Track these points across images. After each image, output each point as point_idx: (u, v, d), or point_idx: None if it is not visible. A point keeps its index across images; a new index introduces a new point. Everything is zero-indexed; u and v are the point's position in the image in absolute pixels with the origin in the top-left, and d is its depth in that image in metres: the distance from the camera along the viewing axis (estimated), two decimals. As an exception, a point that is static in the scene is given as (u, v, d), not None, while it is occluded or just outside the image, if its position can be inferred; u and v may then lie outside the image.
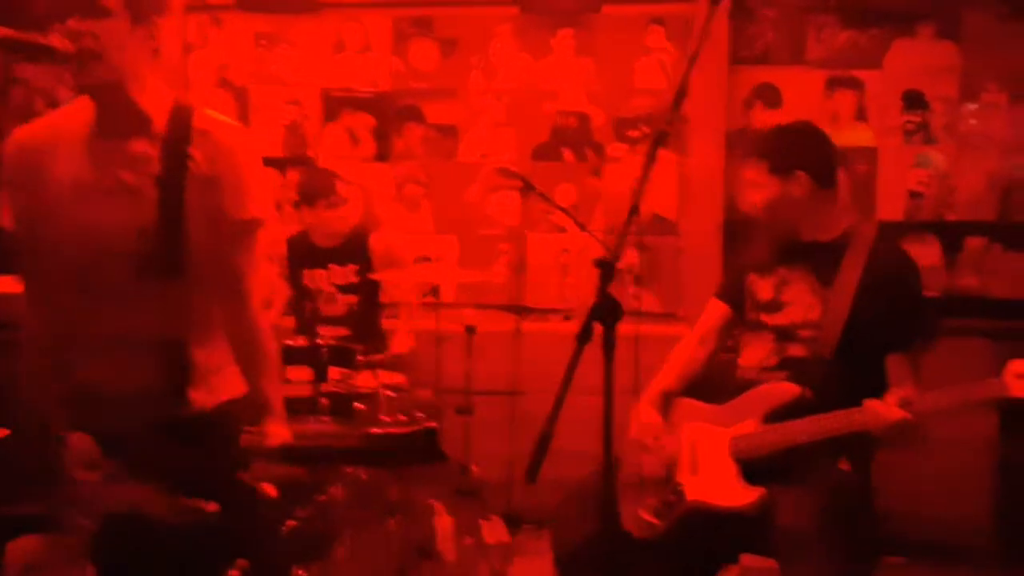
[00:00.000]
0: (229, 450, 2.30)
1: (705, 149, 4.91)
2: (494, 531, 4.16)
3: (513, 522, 4.28)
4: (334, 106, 5.27)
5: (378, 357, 4.10)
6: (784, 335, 2.69)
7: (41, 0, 2.07)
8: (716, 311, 2.96)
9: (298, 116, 5.29)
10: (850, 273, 2.60)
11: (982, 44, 4.88)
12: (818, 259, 2.69)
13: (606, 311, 1.76)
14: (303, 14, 5.21)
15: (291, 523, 3.49)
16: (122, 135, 2.10)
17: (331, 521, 3.77)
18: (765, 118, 4.90)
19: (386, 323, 4.67)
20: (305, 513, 3.62)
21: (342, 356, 3.75)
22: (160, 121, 2.11)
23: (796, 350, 2.67)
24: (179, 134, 2.10)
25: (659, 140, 1.96)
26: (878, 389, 2.49)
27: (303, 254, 4.46)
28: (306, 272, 4.43)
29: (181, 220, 2.06)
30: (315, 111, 5.29)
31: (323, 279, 4.42)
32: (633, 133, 5.05)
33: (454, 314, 4.39)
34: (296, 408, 3.61)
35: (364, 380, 3.76)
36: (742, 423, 2.64)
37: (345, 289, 4.41)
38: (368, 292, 4.43)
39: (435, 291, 4.33)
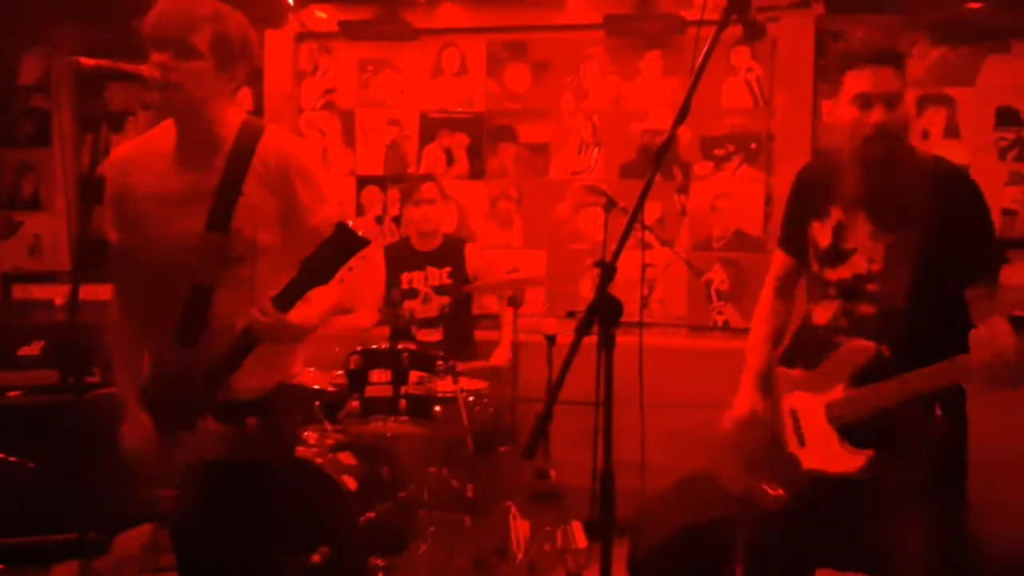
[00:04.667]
0: (287, 427, 2.52)
1: (791, 167, 4.85)
2: (573, 536, 4.26)
3: (592, 528, 4.37)
4: (432, 127, 5.54)
5: (477, 365, 4.31)
6: (849, 292, 2.56)
7: (140, 33, 2.33)
8: (781, 263, 2.84)
9: (399, 136, 5.58)
10: (912, 209, 2.41)
11: (1079, 59, 4.78)
12: (878, 199, 2.50)
13: (605, 310, 1.87)
14: (404, 41, 5.49)
15: (370, 515, 3.73)
16: (198, 152, 2.40)
17: (410, 517, 3.98)
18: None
19: (481, 334, 4.90)
20: (385, 507, 3.84)
21: (423, 360, 3.95)
22: (231, 139, 2.39)
23: (865, 308, 2.54)
24: (244, 145, 2.38)
25: (662, 154, 2.04)
26: (963, 331, 2.26)
27: (404, 258, 4.76)
28: (405, 275, 4.71)
29: (231, 217, 2.32)
30: (414, 131, 5.57)
31: (420, 280, 4.69)
32: (719, 152, 5.15)
33: (535, 323, 4.55)
34: (376, 408, 3.85)
35: (444, 385, 3.97)
36: (832, 389, 2.55)
37: (440, 291, 4.66)
38: (461, 297, 4.68)
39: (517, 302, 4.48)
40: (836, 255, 2.57)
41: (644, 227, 4.40)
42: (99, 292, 2.55)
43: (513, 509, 4.17)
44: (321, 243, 2.19)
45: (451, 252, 4.74)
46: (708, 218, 5.19)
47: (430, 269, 4.69)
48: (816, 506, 2.58)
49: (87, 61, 2.16)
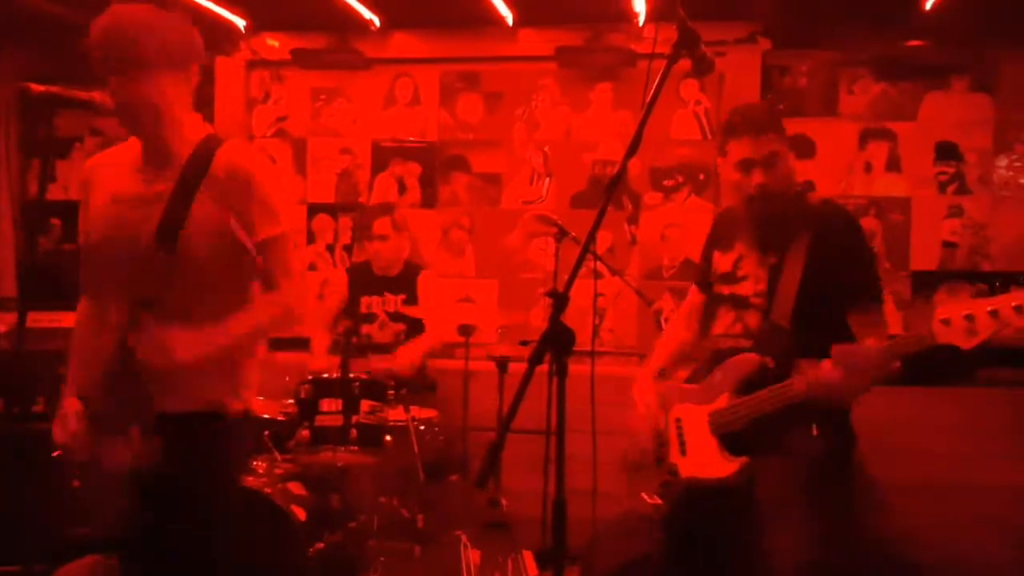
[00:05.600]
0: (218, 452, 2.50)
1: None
2: (524, 566, 4.24)
3: (543, 557, 4.37)
4: (384, 155, 5.56)
5: (383, 366, 4.30)
6: (741, 303, 2.80)
7: (90, 59, 2.33)
8: (693, 297, 3.12)
9: (351, 165, 5.58)
10: (799, 242, 2.68)
11: (1017, 96, 4.95)
12: (766, 230, 2.75)
13: (557, 340, 1.89)
14: (356, 70, 5.51)
15: (319, 546, 3.69)
16: (158, 163, 2.40)
17: (361, 547, 3.94)
18: (798, 168, 5.00)
19: (434, 362, 4.89)
20: (335, 537, 3.81)
21: (374, 390, 3.94)
22: (189, 150, 2.40)
23: (752, 318, 2.77)
24: (201, 155, 2.38)
25: (613, 185, 2.07)
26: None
27: (364, 281, 4.77)
28: (364, 299, 4.72)
29: (181, 225, 2.31)
30: (366, 160, 5.58)
31: (378, 305, 4.69)
32: (669, 182, 5.23)
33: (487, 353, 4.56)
34: (326, 437, 3.83)
35: (395, 414, 3.95)
36: (717, 399, 2.74)
37: (395, 317, 4.65)
38: (415, 323, 4.68)
39: (468, 331, 4.49)
40: (732, 278, 2.85)
41: (596, 257, 4.44)
42: (45, 320, 2.53)
43: (464, 539, 4.14)
44: None
45: (408, 279, 4.75)
46: (658, 247, 5.26)
47: (387, 295, 4.69)
48: (691, 511, 2.76)
49: (37, 87, 2.15)
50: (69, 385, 2.47)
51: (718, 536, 2.77)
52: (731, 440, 2.69)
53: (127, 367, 2.28)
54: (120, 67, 2.26)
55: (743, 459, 2.63)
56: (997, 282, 4.92)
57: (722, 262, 2.90)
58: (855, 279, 2.67)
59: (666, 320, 5.20)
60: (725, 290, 2.86)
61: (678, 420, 2.86)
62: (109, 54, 2.26)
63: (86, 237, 2.49)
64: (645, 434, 2.91)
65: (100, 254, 2.44)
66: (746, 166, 2.67)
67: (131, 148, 2.47)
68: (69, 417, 2.37)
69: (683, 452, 2.82)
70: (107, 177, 2.46)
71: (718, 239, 2.96)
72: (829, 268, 2.64)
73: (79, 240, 2.53)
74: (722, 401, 2.72)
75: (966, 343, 2.25)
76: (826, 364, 2.46)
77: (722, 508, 2.71)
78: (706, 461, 2.74)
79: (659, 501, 2.82)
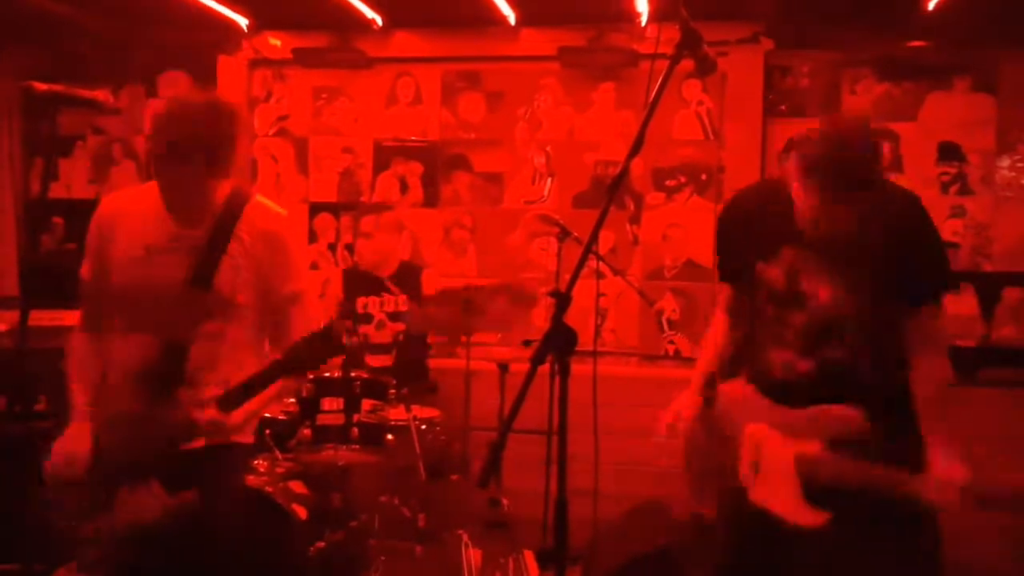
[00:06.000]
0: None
1: (741, 198, 5.03)
2: (525, 565, 4.25)
3: (544, 557, 4.37)
4: (386, 155, 5.55)
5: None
6: (810, 333, 2.48)
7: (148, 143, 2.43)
8: (726, 295, 2.80)
9: (352, 164, 5.58)
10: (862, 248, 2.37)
11: (1019, 96, 4.94)
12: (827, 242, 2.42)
13: (561, 340, 1.89)
14: (357, 69, 5.51)
15: (321, 544, 3.69)
16: (185, 210, 2.51)
17: (362, 546, 3.94)
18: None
19: (434, 362, 4.90)
20: (336, 536, 3.81)
21: (375, 388, 3.94)
22: (219, 203, 2.51)
23: (830, 352, 2.46)
24: (232, 209, 2.51)
25: (616, 186, 2.06)
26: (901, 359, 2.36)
27: (360, 282, 4.75)
28: (361, 299, 4.71)
29: (214, 273, 2.44)
30: (368, 159, 5.58)
31: (375, 306, 4.68)
32: (671, 182, 5.23)
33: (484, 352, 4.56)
34: (328, 436, 3.83)
35: (396, 413, 3.96)
36: (807, 442, 2.45)
37: (394, 317, 4.65)
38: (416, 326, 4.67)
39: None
40: (795, 299, 2.51)
41: (598, 257, 4.43)
42: (47, 318, 2.54)
43: (465, 538, 4.14)
44: (304, 338, 2.32)
45: (408, 278, 4.74)
46: (660, 248, 5.25)
47: (385, 296, 4.69)
48: (756, 540, 2.54)
49: (40, 86, 2.16)
50: (76, 411, 2.52)
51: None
52: (812, 488, 2.42)
53: (146, 415, 2.36)
54: (166, 149, 2.41)
55: (827, 514, 2.37)
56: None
57: (774, 276, 2.54)
58: (924, 273, 2.38)
59: (668, 320, 5.23)
60: (787, 315, 2.52)
61: (757, 441, 2.55)
62: (161, 136, 2.41)
63: (102, 278, 2.55)
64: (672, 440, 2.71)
65: (130, 299, 2.51)
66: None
67: (149, 194, 2.55)
68: (77, 442, 2.44)
69: (755, 471, 2.55)
70: (133, 226, 2.54)
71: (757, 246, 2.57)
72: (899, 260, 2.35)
73: (86, 279, 2.60)
74: (813, 447, 2.43)
75: None
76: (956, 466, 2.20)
77: (784, 551, 2.48)
78: (784, 498, 2.46)
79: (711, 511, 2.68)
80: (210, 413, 2.32)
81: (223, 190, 2.54)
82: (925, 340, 2.39)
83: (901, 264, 2.35)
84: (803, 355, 2.48)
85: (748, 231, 2.61)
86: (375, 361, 4.59)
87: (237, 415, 2.38)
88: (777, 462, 2.49)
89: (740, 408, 2.62)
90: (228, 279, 2.46)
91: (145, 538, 2.35)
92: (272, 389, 2.45)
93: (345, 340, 3.76)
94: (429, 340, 4.90)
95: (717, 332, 2.81)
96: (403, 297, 4.66)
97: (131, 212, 2.57)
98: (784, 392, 2.51)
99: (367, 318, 4.68)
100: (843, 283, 2.41)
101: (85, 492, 2.40)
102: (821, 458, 2.40)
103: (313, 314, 2.58)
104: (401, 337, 4.66)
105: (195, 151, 2.39)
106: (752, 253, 2.57)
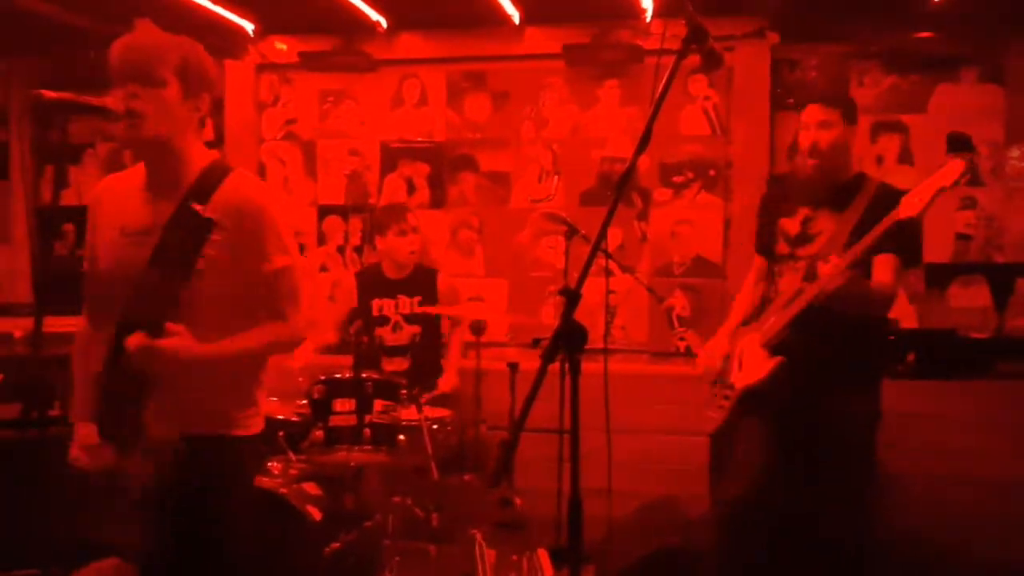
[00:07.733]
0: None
1: (749, 193, 5.01)
2: (539, 564, 4.24)
3: (558, 556, 4.37)
4: (393, 156, 5.57)
5: (424, 396, 4.30)
6: (814, 262, 3.16)
7: (106, 66, 2.35)
8: (757, 263, 3.57)
9: (359, 166, 5.59)
10: (858, 204, 3.16)
11: (1027, 87, 4.93)
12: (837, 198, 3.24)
13: (571, 338, 1.89)
14: (363, 72, 5.52)
15: (335, 545, 3.70)
16: (162, 188, 2.40)
17: (375, 547, 3.95)
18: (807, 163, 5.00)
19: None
20: (350, 537, 3.81)
21: (387, 389, 3.94)
22: (193, 177, 2.40)
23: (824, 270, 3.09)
24: (205, 184, 2.38)
25: (623, 183, 2.06)
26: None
27: (375, 284, 4.73)
28: (375, 302, 4.70)
29: (175, 256, 2.31)
30: (375, 161, 5.60)
31: (391, 308, 4.68)
32: (678, 178, 5.22)
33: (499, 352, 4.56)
34: (340, 437, 3.84)
35: (408, 413, 3.96)
36: (769, 321, 3.26)
37: (410, 319, 4.66)
38: (431, 325, 4.68)
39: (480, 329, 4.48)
40: (805, 239, 3.29)
41: (607, 255, 4.43)
42: (61, 325, 2.54)
43: (479, 537, 4.14)
44: None
45: (423, 281, 4.73)
46: (668, 244, 5.25)
47: (401, 297, 4.68)
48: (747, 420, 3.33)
49: (49, 94, 2.16)
50: (78, 411, 2.49)
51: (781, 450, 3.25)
52: (777, 349, 3.17)
53: (127, 382, 2.30)
54: (136, 80, 2.29)
55: (779, 359, 3.13)
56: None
57: (791, 226, 3.34)
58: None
59: (678, 317, 5.23)
60: (799, 252, 3.28)
61: (740, 347, 3.39)
62: (127, 68, 2.30)
63: (91, 263, 2.50)
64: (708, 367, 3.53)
65: (104, 282, 2.45)
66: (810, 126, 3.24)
67: (139, 173, 2.47)
68: (88, 441, 2.41)
69: (740, 368, 3.35)
70: (115, 205, 2.46)
71: (780, 207, 3.41)
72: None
73: (84, 263, 2.53)
74: (776, 323, 3.19)
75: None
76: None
77: (769, 406, 3.23)
78: (755, 369, 3.22)
79: (716, 414, 3.43)
80: (137, 338, 2.21)
81: (202, 158, 2.44)
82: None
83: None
84: (804, 278, 3.18)
85: (779, 204, 3.43)
86: (391, 365, 4.59)
87: (197, 349, 2.27)
88: (751, 348, 3.30)
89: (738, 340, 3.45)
90: (208, 261, 2.31)
91: (158, 543, 2.35)
92: (251, 340, 2.40)
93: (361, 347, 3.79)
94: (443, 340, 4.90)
95: (747, 291, 3.59)
96: (418, 299, 4.66)
97: (113, 194, 2.49)
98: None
99: (382, 320, 4.68)
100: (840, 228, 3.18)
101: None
102: (775, 318, 3.21)
103: (299, 289, 2.49)
104: (418, 339, 4.66)
105: (167, 75, 2.30)
106: (779, 215, 3.40)
